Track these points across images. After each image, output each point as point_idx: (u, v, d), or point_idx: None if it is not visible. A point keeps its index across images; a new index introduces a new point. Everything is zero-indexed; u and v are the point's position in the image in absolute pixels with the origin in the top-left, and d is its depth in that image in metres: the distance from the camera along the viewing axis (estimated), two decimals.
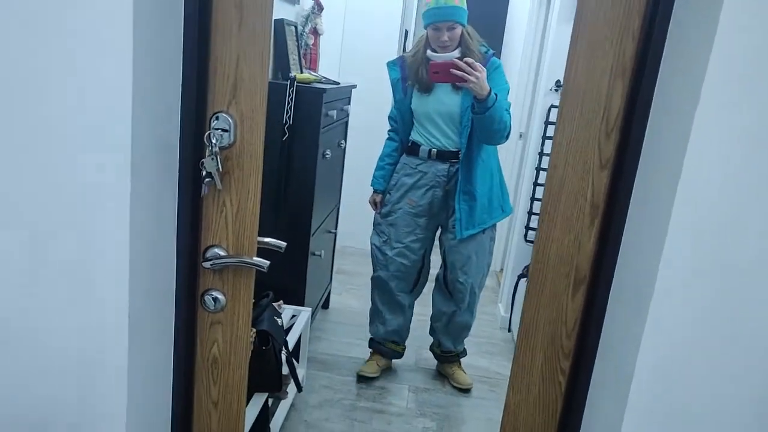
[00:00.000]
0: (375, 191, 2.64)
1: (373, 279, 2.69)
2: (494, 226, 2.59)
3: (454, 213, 2.46)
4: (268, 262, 1.11)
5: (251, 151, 1.09)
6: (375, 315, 2.73)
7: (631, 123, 1.00)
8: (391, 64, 2.53)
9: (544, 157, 3.11)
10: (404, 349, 2.80)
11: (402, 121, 2.54)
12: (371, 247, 2.66)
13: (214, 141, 1.04)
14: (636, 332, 0.90)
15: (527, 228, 3.23)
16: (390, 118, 2.63)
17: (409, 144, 2.54)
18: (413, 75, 2.43)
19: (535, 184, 3.16)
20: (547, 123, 3.08)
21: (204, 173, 1.06)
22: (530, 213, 3.20)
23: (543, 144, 3.11)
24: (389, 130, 2.64)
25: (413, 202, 2.53)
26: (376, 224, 2.65)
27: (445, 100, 2.42)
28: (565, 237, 1.09)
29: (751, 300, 0.84)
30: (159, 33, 0.94)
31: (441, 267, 2.64)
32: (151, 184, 0.98)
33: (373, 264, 2.68)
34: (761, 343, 0.85)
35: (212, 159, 1.05)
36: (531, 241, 3.24)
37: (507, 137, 2.38)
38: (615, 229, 1.03)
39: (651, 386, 0.89)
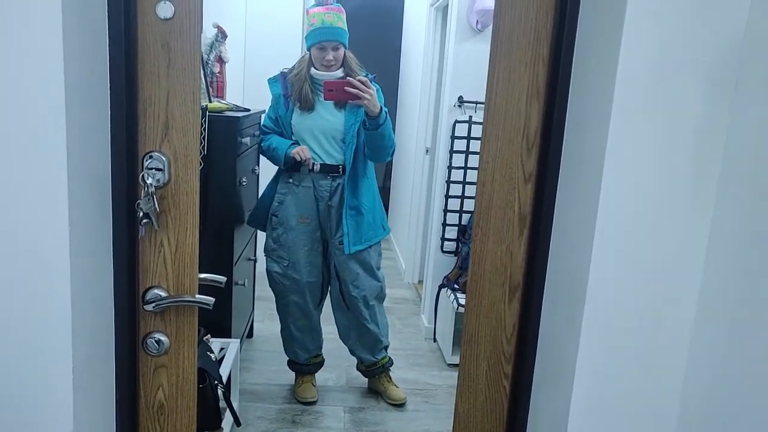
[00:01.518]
0: (291, 148, 2.47)
1: (285, 305, 2.64)
2: (379, 243, 2.64)
3: (341, 228, 2.50)
4: (212, 299, 1.10)
5: (187, 188, 1.08)
6: (292, 341, 2.71)
7: (549, 139, 1.09)
8: (272, 81, 2.56)
9: (453, 170, 3.25)
10: (323, 356, 2.83)
11: (281, 136, 2.56)
12: (271, 276, 2.61)
13: (149, 181, 1.03)
14: (574, 331, 0.98)
15: (443, 239, 3.35)
16: (263, 125, 2.63)
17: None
18: (296, 93, 2.48)
19: (447, 196, 3.29)
20: (453, 137, 3.22)
21: (141, 214, 1.03)
22: (444, 224, 3.32)
23: (451, 158, 3.24)
24: (262, 133, 2.63)
25: (306, 219, 2.54)
26: (270, 250, 2.59)
27: (328, 117, 2.48)
28: (497, 248, 1.16)
29: (671, 291, 0.94)
30: (88, 77, 0.92)
31: (335, 283, 2.64)
32: (89, 230, 0.95)
33: (278, 292, 2.63)
34: (685, 330, 0.96)
35: (148, 200, 1.03)
36: (447, 252, 3.36)
37: (392, 154, 2.52)
38: (543, 237, 1.12)
39: (592, 381, 0.97)
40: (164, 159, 1.05)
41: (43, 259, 0.88)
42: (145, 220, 1.04)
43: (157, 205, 1.04)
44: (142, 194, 1.03)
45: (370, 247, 2.57)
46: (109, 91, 0.99)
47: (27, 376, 0.92)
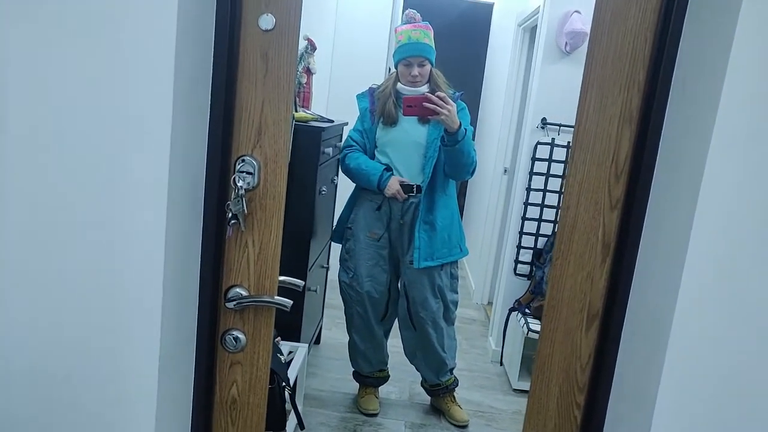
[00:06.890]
0: (384, 176, 2.49)
1: (350, 315, 2.69)
2: (455, 263, 2.62)
3: (413, 244, 2.50)
4: (290, 302, 1.13)
5: (274, 192, 1.12)
6: (356, 353, 2.73)
7: (640, 166, 1.06)
8: (360, 96, 2.63)
9: (531, 192, 3.19)
10: (388, 371, 2.83)
11: (365, 151, 2.59)
12: (341, 284, 2.68)
13: (240, 183, 1.07)
14: (654, 370, 0.93)
15: (516, 261, 3.29)
16: (349, 137, 2.61)
17: None
18: (380, 107, 2.52)
19: (524, 218, 3.23)
20: (534, 159, 3.17)
21: (230, 215, 1.08)
22: (519, 247, 3.26)
23: (530, 179, 3.19)
24: (346, 147, 2.61)
25: (375, 234, 2.57)
26: (342, 260, 2.67)
27: (410, 131, 2.50)
28: (578, 274, 1.13)
29: (765, 330, 0.89)
30: (193, 82, 0.97)
31: (404, 302, 2.64)
32: (182, 227, 1.00)
33: (345, 300, 2.69)
34: None
35: (238, 201, 1.08)
36: (520, 275, 3.29)
37: (473, 173, 2.50)
38: (626, 266, 1.08)
39: (673, 420, 0.92)
40: (255, 163, 1.10)
41: (139, 254, 0.93)
42: (233, 221, 1.09)
43: (245, 207, 1.09)
44: (232, 196, 1.08)
45: (441, 267, 2.55)
46: (209, 96, 1.04)
47: (115, 363, 0.97)
